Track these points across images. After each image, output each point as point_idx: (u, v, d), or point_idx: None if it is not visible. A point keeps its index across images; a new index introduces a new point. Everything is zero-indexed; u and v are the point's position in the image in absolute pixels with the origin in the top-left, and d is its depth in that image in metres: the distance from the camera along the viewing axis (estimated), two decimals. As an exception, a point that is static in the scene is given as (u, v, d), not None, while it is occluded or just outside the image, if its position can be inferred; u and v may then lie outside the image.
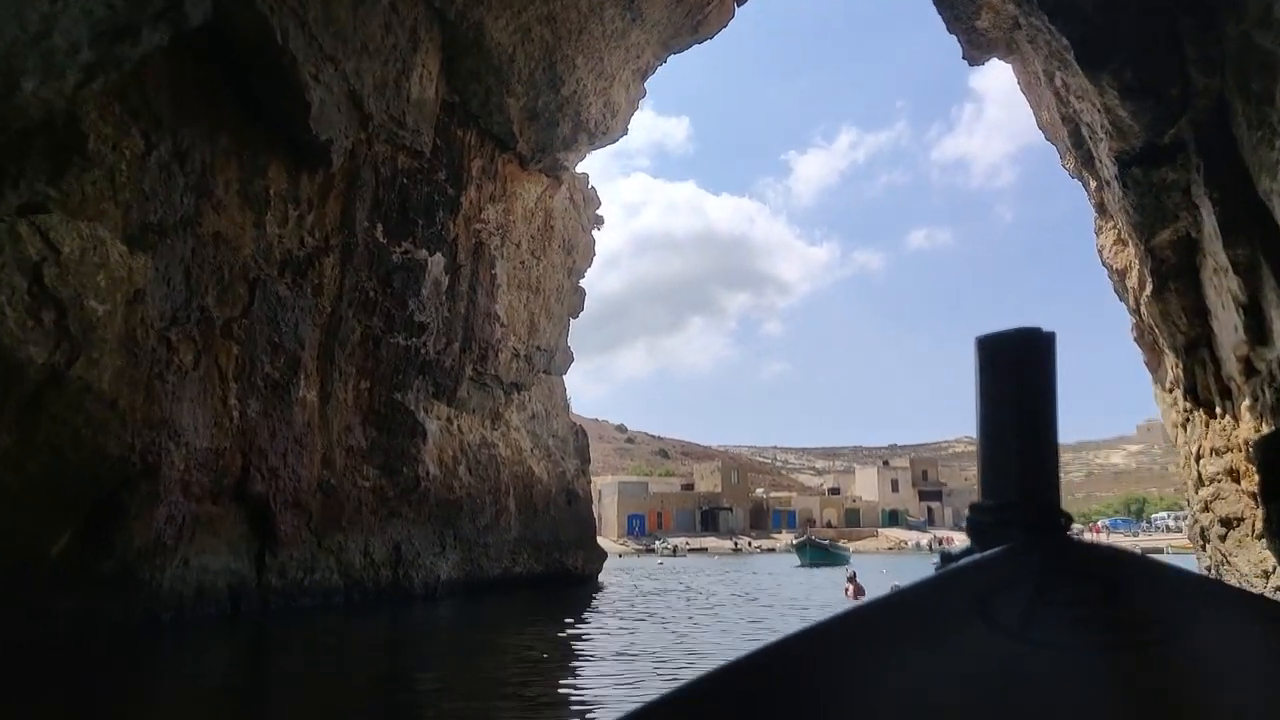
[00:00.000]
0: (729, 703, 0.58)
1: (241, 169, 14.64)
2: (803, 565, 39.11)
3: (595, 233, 24.01)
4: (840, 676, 0.59)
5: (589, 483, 25.89)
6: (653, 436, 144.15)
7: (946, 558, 0.74)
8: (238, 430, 14.24)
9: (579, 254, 23.35)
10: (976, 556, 0.72)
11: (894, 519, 79.19)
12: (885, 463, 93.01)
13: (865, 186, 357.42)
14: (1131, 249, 15.42)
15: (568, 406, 24.41)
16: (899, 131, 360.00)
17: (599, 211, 23.96)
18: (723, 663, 0.59)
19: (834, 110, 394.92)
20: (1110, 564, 0.68)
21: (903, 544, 70.26)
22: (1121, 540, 71.69)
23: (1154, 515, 79.16)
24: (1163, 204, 13.34)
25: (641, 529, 71.20)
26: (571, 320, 23.53)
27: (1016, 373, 0.76)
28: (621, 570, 34.07)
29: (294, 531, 15.14)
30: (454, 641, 12.75)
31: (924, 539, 69.96)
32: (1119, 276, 16.63)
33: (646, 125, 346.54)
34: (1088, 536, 69.15)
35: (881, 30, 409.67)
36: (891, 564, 38.90)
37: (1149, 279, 14.51)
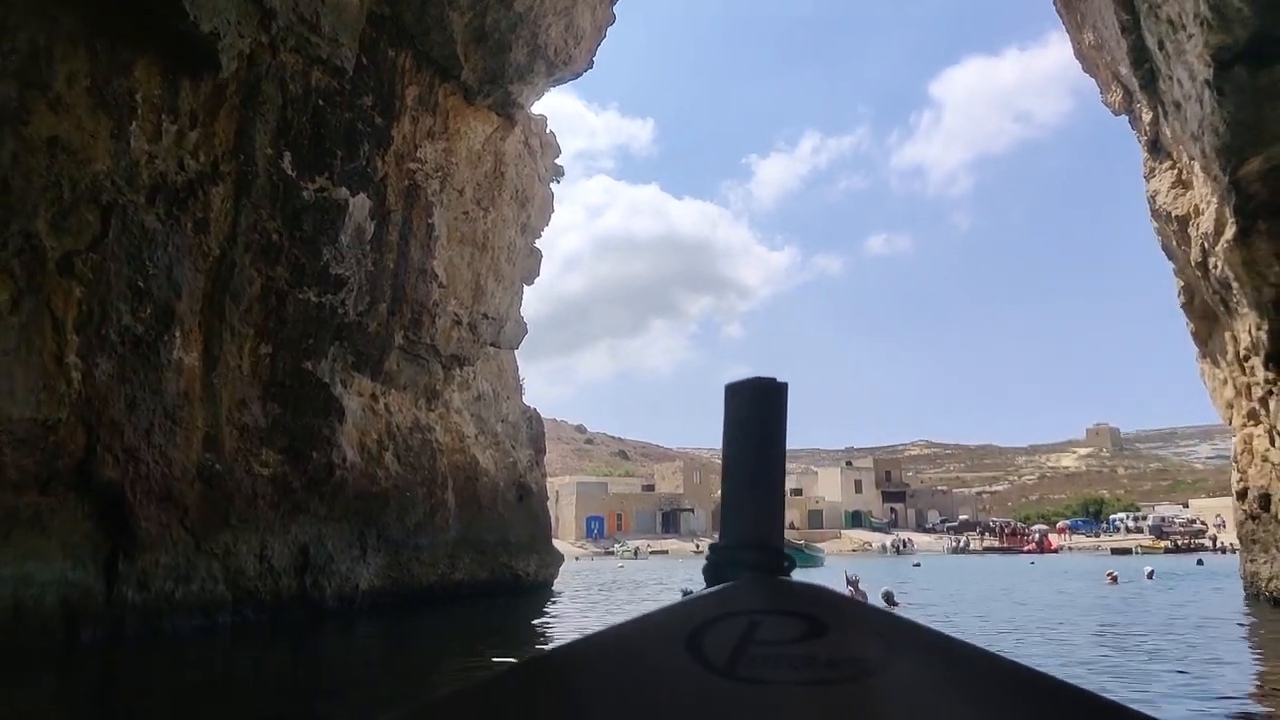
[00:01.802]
0: None
1: (94, 61, 11.30)
2: (774, 569, 36.44)
3: (554, 186, 20.82)
4: (550, 706, 0.60)
5: (544, 476, 22.69)
6: (612, 437, 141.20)
7: (687, 595, 0.76)
8: (80, 397, 10.84)
9: (535, 208, 20.11)
10: (698, 594, 0.73)
11: (857, 520, 77.18)
12: (848, 463, 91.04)
13: (826, 191, 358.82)
14: (1204, 187, 12.80)
15: (520, 388, 21.17)
16: (860, 136, 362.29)
17: (559, 161, 20.78)
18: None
19: (797, 115, 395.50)
20: (819, 605, 0.69)
21: (867, 545, 68.19)
22: (1084, 541, 70.67)
23: (1111, 516, 79.58)
24: (1263, 118, 10.70)
25: (600, 531, 68.24)
26: (525, 286, 20.28)
27: (749, 420, 0.77)
28: (579, 574, 31.06)
29: (161, 530, 11.77)
30: (373, 679, 9.51)
31: (888, 540, 67.89)
32: (1178, 225, 14.01)
33: (611, 127, 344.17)
34: (1052, 538, 68.16)
35: (846, 35, 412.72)
36: (858, 566, 36.29)
37: (1230, 219, 11.88)
